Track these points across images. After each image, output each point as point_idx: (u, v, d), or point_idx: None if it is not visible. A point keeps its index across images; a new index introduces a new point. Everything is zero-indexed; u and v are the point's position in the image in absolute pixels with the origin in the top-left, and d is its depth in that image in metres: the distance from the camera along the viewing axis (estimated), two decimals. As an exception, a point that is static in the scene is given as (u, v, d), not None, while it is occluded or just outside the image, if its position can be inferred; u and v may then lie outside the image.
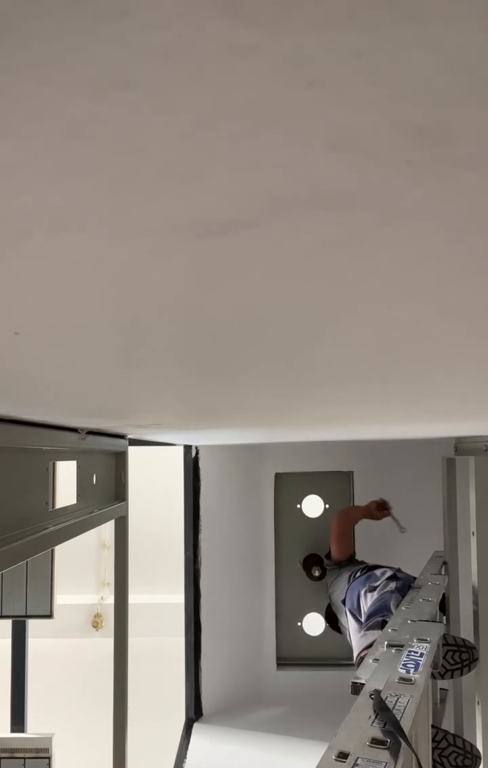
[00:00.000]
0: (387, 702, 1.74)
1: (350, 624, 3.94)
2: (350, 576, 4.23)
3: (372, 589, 3.84)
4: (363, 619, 3.75)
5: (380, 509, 4.65)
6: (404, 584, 3.72)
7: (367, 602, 3.80)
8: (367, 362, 0.86)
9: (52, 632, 6.31)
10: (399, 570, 4.01)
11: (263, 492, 5.24)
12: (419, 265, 0.45)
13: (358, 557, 4.67)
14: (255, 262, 0.44)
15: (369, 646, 2.85)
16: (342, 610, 4.24)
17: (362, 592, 3.90)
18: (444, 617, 3.77)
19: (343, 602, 4.10)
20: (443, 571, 3.71)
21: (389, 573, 3.95)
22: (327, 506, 5.29)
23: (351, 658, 3.82)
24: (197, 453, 5.11)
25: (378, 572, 4.01)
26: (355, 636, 3.81)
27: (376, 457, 5.11)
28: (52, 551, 3.87)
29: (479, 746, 3.06)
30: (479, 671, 3.35)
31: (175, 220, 0.37)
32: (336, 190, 0.33)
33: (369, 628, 3.57)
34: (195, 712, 4.99)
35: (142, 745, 4.25)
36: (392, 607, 3.49)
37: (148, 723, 5.14)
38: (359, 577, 4.11)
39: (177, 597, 5.35)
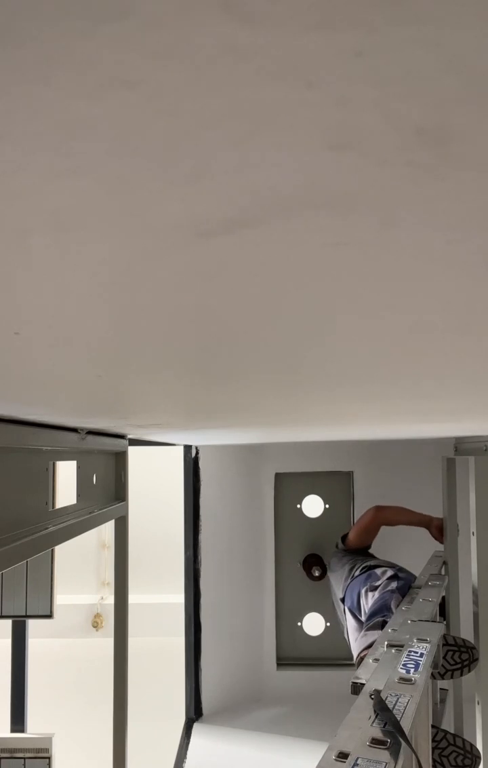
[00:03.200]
0: (387, 702, 1.74)
1: (349, 622, 3.94)
2: (349, 574, 4.21)
3: (373, 589, 3.84)
4: (364, 619, 3.75)
5: (433, 523, 4.27)
6: (405, 584, 3.72)
7: (368, 602, 3.80)
8: (367, 362, 0.86)
9: (52, 632, 6.32)
10: (400, 569, 4.00)
11: (263, 492, 5.24)
12: (419, 265, 0.45)
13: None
14: (255, 263, 0.44)
15: (370, 646, 2.85)
16: (336, 605, 4.24)
17: (362, 591, 3.90)
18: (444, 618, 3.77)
19: (342, 600, 4.09)
20: (443, 571, 3.71)
21: (390, 573, 3.94)
22: (327, 506, 5.29)
23: (351, 658, 3.82)
24: (197, 453, 5.11)
25: (378, 571, 4.00)
26: (355, 635, 3.81)
27: (376, 457, 5.11)
28: (52, 551, 3.88)
29: (479, 746, 3.06)
30: (479, 671, 3.35)
31: (175, 220, 0.37)
32: (336, 191, 0.33)
33: (369, 629, 3.57)
34: (195, 712, 4.99)
35: (142, 745, 4.25)
36: (392, 607, 3.49)
37: (148, 723, 5.14)
38: (359, 576, 4.09)
39: (177, 597, 5.35)
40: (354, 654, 3.72)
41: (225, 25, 0.22)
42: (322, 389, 1.15)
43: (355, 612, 3.88)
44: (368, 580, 3.96)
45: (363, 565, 4.22)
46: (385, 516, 4.45)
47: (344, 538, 4.61)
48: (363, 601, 3.85)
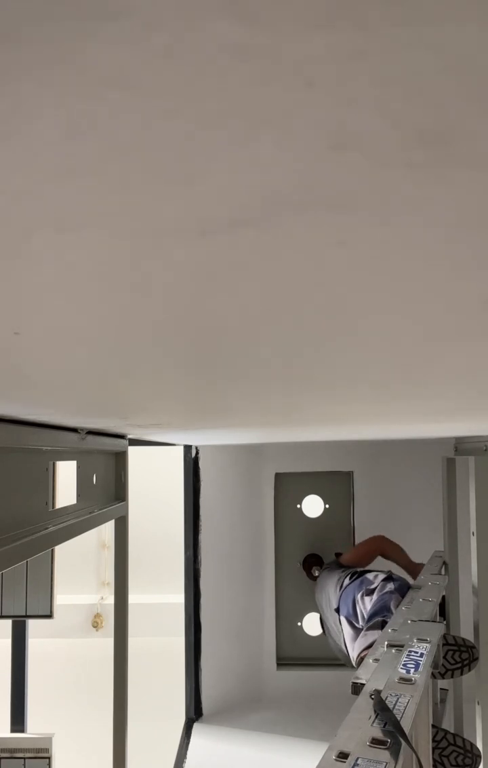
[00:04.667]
0: (387, 702, 1.74)
1: (345, 631, 3.89)
2: (338, 583, 4.17)
3: (370, 592, 3.82)
4: (361, 624, 3.73)
5: (417, 571, 4.20)
6: (402, 584, 3.72)
7: (366, 605, 3.78)
8: (367, 363, 0.86)
9: (52, 632, 6.32)
10: (390, 572, 3.99)
11: (263, 492, 5.24)
12: (419, 265, 0.45)
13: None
14: (255, 263, 0.44)
15: (370, 646, 2.85)
16: (328, 616, 4.20)
17: (358, 597, 3.87)
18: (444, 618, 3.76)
19: (337, 611, 4.03)
20: (443, 571, 3.71)
21: (383, 575, 3.93)
22: (327, 506, 5.29)
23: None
24: (197, 453, 5.11)
25: (370, 576, 3.98)
26: (351, 643, 3.77)
27: (376, 457, 5.11)
28: (52, 551, 3.87)
29: (479, 746, 3.06)
30: (479, 671, 3.35)
31: (175, 220, 0.37)
32: (336, 190, 0.33)
33: (369, 629, 3.56)
34: (195, 712, 4.99)
35: (142, 745, 4.25)
36: (392, 608, 3.48)
37: (148, 723, 5.14)
38: (351, 583, 4.04)
39: (177, 597, 5.35)
40: (352, 659, 3.71)
41: (225, 25, 0.22)
42: (322, 390, 1.15)
43: (352, 620, 3.83)
44: (362, 585, 3.93)
45: (352, 572, 4.17)
46: (385, 549, 4.47)
47: (337, 555, 4.64)
48: (359, 606, 3.82)
